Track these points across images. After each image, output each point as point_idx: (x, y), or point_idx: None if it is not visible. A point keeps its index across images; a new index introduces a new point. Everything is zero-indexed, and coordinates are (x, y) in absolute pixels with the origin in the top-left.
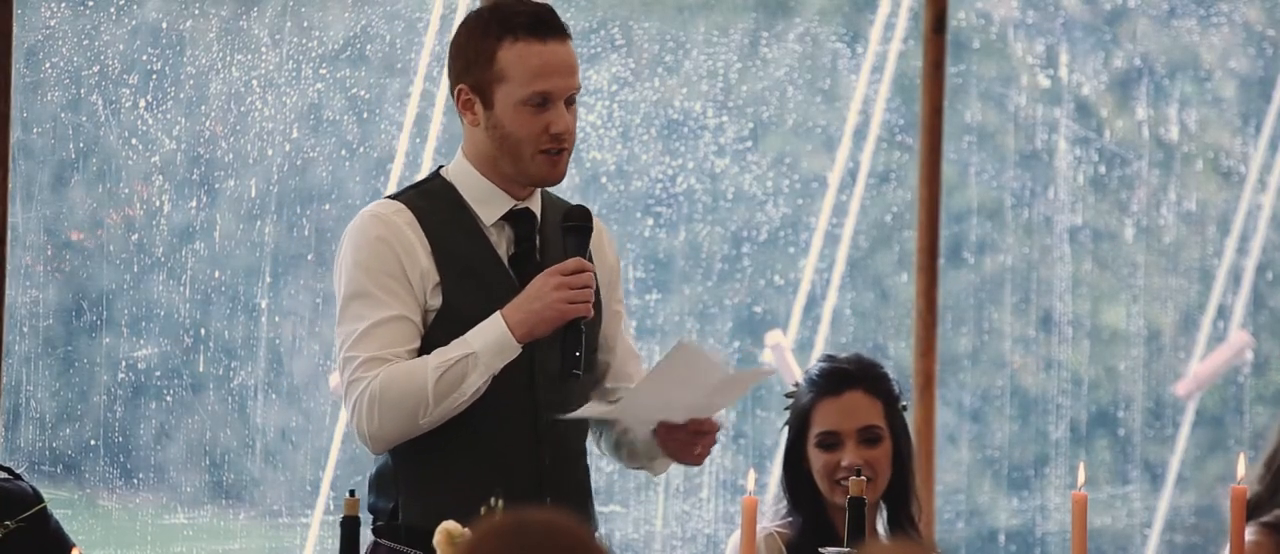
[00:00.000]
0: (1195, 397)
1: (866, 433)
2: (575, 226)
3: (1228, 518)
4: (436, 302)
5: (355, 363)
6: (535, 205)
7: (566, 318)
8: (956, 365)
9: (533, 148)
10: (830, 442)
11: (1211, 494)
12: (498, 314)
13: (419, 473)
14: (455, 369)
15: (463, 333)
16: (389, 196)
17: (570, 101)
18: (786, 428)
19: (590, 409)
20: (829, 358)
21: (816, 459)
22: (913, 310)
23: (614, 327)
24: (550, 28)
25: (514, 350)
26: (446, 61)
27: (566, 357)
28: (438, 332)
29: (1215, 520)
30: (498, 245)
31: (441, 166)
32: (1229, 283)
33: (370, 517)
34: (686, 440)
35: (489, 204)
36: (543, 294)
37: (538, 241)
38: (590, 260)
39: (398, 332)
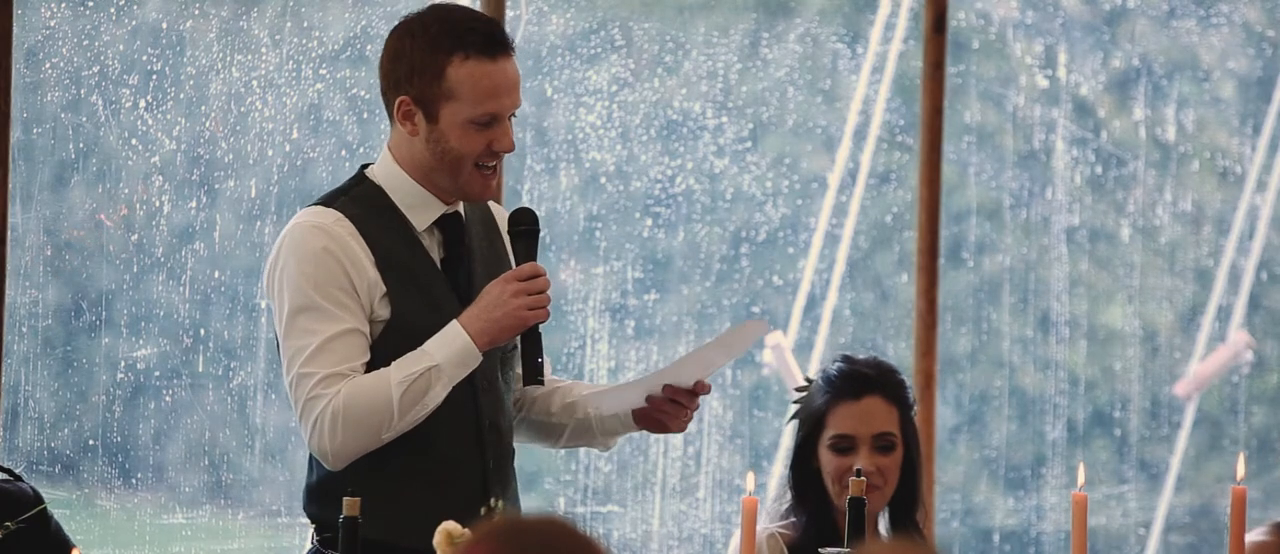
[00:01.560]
0: (1195, 397)
1: (882, 440)
2: (525, 231)
3: (1223, 518)
4: (384, 312)
5: (313, 380)
6: (461, 209)
7: (527, 324)
8: (956, 366)
9: (472, 163)
10: (845, 445)
11: (1207, 494)
12: (456, 323)
13: (369, 483)
14: (419, 382)
15: (408, 342)
16: (320, 203)
17: (511, 117)
18: (795, 425)
19: (588, 393)
20: (847, 360)
21: (828, 462)
22: (913, 310)
23: None
24: (500, 45)
25: (476, 359)
26: (381, 65)
27: (529, 363)
28: (385, 342)
29: (1210, 520)
30: (430, 250)
31: (366, 166)
32: (1227, 283)
33: (313, 527)
34: (681, 406)
35: (421, 210)
36: (502, 301)
37: (466, 245)
38: (510, 255)
39: (351, 346)
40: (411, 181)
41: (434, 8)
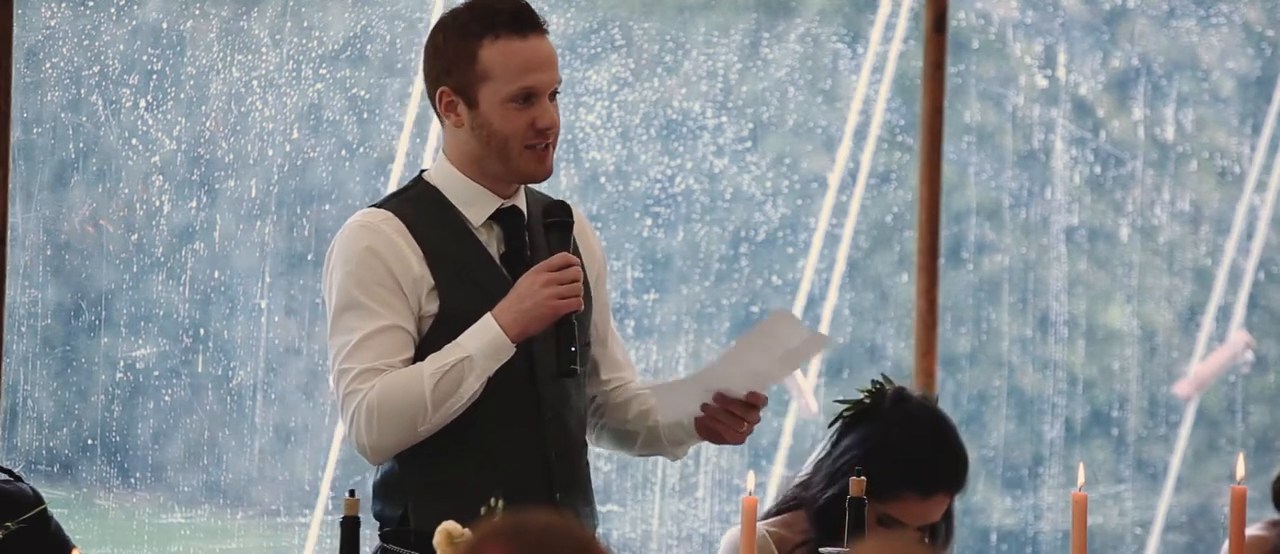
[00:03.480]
0: (1195, 397)
1: (929, 527)
2: (557, 222)
3: (1221, 517)
4: (433, 307)
5: (351, 375)
6: (521, 203)
7: (558, 314)
8: (955, 365)
9: (520, 144)
10: (893, 524)
11: (1204, 494)
12: (489, 315)
13: (427, 478)
14: (452, 374)
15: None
16: (374, 205)
17: (553, 95)
18: (846, 452)
19: (651, 398)
20: (932, 435)
21: (867, 522)
22: (913, 310)
23: (604, 319)
24: (530, 23)
25: (509, 351)
26: (422, 66)
27: (562, 354)
28: (436, 336)
29: (1207, 520)
30: (488, 245)
31: (423, 171)
32: (1227, 283)
33: (376, 523)
34: (736, 417)
35: (476, 205)
36: (532, 292)
37: (527, 239)
38: (577, 254)
39: (392, 341)
40: (464, 178)
41: (467, 2)
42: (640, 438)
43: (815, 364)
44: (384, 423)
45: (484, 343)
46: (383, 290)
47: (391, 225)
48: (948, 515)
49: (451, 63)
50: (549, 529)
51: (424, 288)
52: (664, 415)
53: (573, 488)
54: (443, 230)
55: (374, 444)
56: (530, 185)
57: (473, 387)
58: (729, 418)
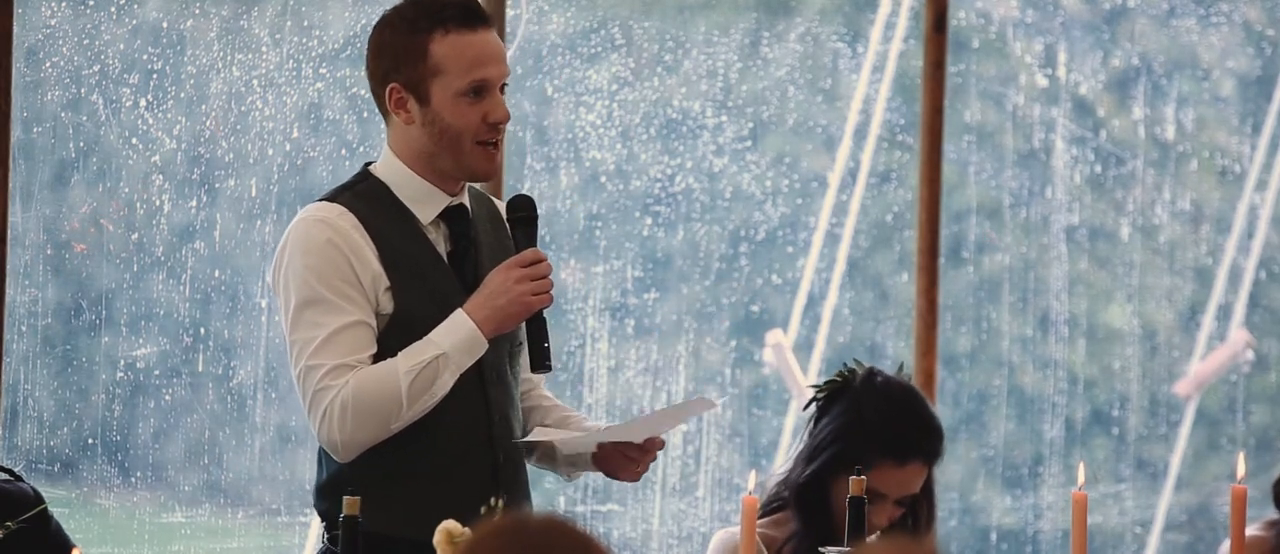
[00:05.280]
0: (1195, 396)
1: (908, 499)
2: (523, 217)
3: (1220, 516)
4: (387, 306)
5: (321, 371)
6: (466, 201)
7: (532, 309)
8: (955, 365)
9: (472, 139)
10: (872, 498)
11: (1204, 493)
12: (461, 312)
13: (376, 478)
14: (427, 371)
15: (412, 336)
16: (325, 199)
17: (502, 89)
18: (821, 437)
19: (549, 434)
20: (891, 403)
21: (845, 500)
22: (913, 310)
23: None
24: (478, 16)
25: (483, 347)
26: (367, 63)
27: (535, 349)
28: (390, 335)
29: (1207, 519)
30: (436, 244)
31: (370, 164)
32: (1227, 282)
33: (322, 524)
34: (635, 458)
35: (425, 203)
36: (506, 288)
37: (473, 237)
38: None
39: (359, 338)
40: (414, 175)
41: None
42: (536, 451)
43: (815, 363)
44: (358, 419)
45: (458, 339)
46: (346, 285)
47: (348, 220)
48: (928, 492)
49: (400, 59)
50: (549, 529)
51: (381, 286)
52: (562, 448)
53: (516, 491)
54: (395, 229)
55: (346, 441)
56: (472, 184)
57: (447, 384)
58: (624, 460)
